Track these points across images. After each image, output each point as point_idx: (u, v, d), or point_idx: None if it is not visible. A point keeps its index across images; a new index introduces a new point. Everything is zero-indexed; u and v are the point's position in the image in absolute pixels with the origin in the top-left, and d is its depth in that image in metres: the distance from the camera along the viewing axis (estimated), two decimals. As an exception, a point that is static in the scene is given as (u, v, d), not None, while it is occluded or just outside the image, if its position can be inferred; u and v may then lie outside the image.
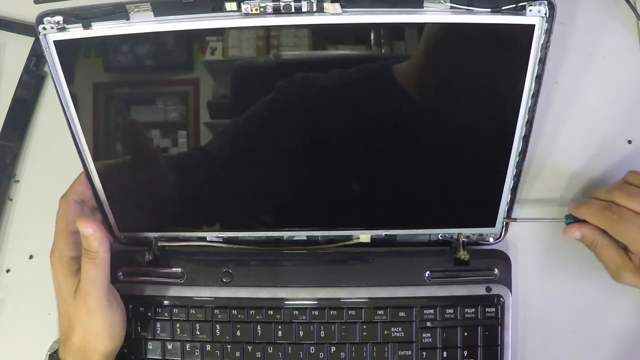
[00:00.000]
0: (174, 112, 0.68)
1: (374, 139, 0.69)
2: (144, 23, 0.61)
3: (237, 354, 0.74)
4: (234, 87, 0.66)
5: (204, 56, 0.64)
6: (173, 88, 0.67)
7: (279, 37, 0.62)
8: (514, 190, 0.71)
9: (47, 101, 0.82)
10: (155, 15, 0.61)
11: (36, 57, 0.81)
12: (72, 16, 0.61)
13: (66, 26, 0.62)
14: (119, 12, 0.61)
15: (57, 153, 0.80)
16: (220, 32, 0.62)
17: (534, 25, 0.60)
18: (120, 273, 0.76)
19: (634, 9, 0.75)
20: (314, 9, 0.59)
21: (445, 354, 0.72)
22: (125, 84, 0.67)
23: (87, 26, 0.62)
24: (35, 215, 0.81)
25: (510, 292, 0.73)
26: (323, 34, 0.62)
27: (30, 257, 0.81)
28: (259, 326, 0.74)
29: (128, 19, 0.61)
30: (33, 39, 0.81)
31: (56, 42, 0.63)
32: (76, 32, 0.62)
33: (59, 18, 0.61)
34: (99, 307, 0.68)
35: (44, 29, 0.62)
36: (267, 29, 0.62)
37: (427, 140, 0.69)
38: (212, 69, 0.64)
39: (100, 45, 0.64)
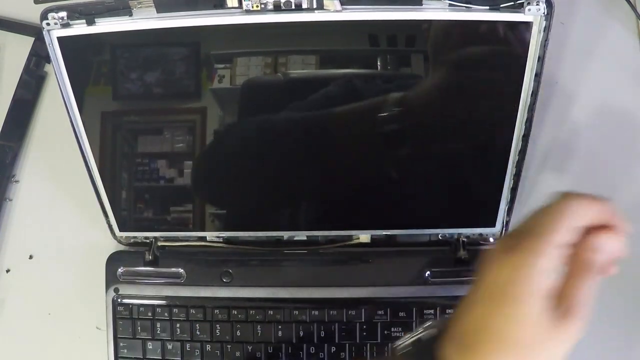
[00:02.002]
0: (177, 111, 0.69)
1: (375, 141, 0.69)
2: (146, 20, 0.62)
3: (237, 354, 0.73)
4: (243, 105, 0.67)
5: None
6: (179, 99, 0.68)
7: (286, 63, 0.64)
8: (513, 190, 0.71)
9: (47, 101, 0.83)
10: (157, 12, 0.61)
11: (36, 57, 0.81)
12: (76, 12, 0.62)
13: (70, 22, 0.63)
14: (122, 9, 0.61)
15: (57, 153, 0.80)
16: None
17: (532, 22, 0.60)
18: (120, 273, 0.76)
19: (634, 8, 0.75)
20: (314, 6, 0.60)
21: (445, 354, 0.72)
22: (129, 81, 0.67)
23: (90, 22, 0.62)
24: (35, 215, 0.81)
25: (511, 291, 0.73)
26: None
27: (30, 257, 0.80)
28: (259, 326, 0.74)
29: (131, 15, 0.62)
30: (33, 39, 0.81)
31: (60, 39, 0.63)
32: (80, 28, 0.63)
33: (63, 14, 0.62)
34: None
35: (48, 24, 0.62)
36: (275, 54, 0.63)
37: (427, 142, 0.69)
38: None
39: (103, 42, 0.64)
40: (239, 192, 0.74)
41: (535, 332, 0.48)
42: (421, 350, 0.54)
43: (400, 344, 0.56)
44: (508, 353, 0.48)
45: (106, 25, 0.62)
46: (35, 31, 0.81)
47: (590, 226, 0.49)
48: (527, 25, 0.61)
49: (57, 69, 0.65)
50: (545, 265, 0.48)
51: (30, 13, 0.80)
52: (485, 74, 0.65)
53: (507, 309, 0.48)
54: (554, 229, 0.48)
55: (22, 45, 0.81)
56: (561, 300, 0.49)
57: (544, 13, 0.60)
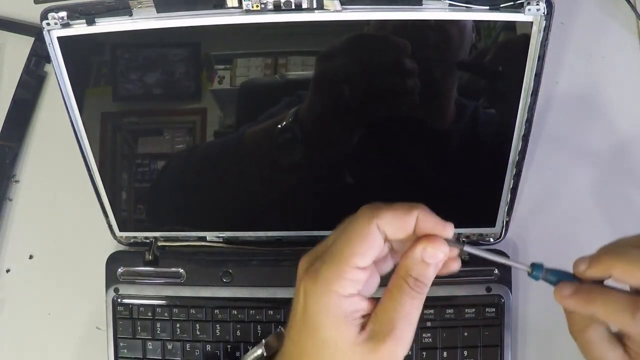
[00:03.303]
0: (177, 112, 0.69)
1: (374, 141, 0.69)
2: (146, 20, 0.61)
3: (238, 354, 0.74)
4: (241, 104, 0.67)
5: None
6: (179, 100, 0.68)
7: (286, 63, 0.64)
8: (513, 190, 0.71)
9: (47, 101, 0.83)
10: (157, 12, 0.61)
11: (36, 57, 0.81)
12: (77, 12, 0.62)
13: (70, 22, 0.62)
14: (122, 8, 0.61)
15: (57, 153, 0.80)
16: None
17: (532, 22, 0.60)
18: (120, 273, 0.76)
19: (634, 8, 0.75)
20: (314, 6, 0.60)
21: (445, 354, 0.72)
22: (129, 81, 0.67)
23: (90, 22, 0.62)
24: (35, 215, 0.81)
25: (510, 292, 0.73)
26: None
27: (30, 257, 0.81)
28: (259, 326, 0.74)
29: (131, 15, 0.61)
30: (33, 39, 0.81)
31: (60, 39, 0.63)
32: (80, 28, 0.63)
33: (64, 14, 0.62)
34: None
35: (48, 24, 0.62)
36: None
37: (426, 141, 0.69)
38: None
39: (103, 42, 0.64)
40: (240, 192, 0.74)
41: (350, 357, 0.48)
42: None
43: None
44: None
45: (106, 25, 0.62)
46: (35, 31, 0.81)
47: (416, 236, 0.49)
48: (527, 25, 0.61)
49: (57, 69, 0.65)
50: (347, 291, 0.48)
51: (30, 13, 0.80)
52: (486, 74, 0.65)
53: (320, 336, 0.49)
54: (352, 253, 0.48)
55: (22, 45, 0.81)
56: (376, 322, 0.48)
57: (544, 13, 0.59)
